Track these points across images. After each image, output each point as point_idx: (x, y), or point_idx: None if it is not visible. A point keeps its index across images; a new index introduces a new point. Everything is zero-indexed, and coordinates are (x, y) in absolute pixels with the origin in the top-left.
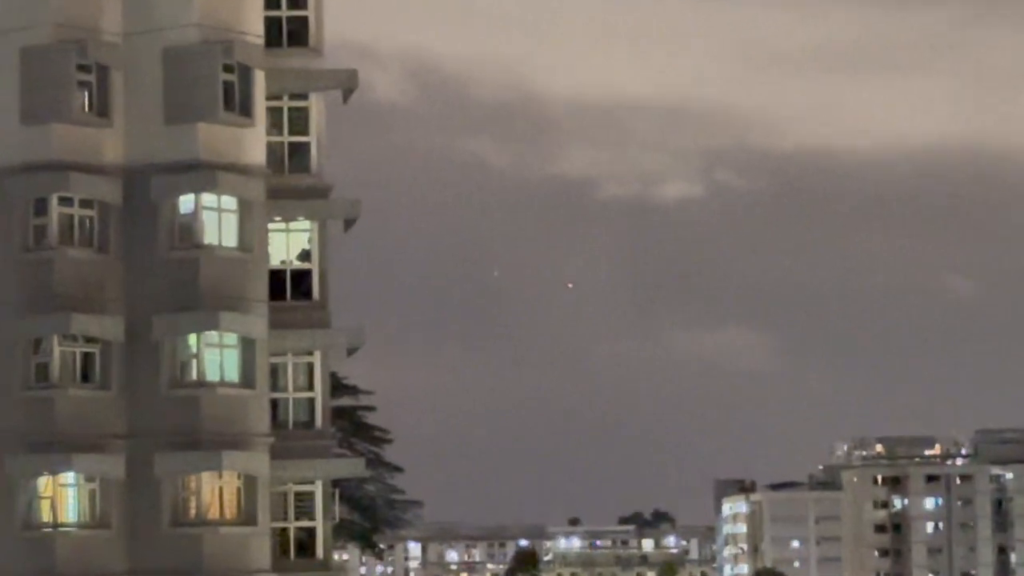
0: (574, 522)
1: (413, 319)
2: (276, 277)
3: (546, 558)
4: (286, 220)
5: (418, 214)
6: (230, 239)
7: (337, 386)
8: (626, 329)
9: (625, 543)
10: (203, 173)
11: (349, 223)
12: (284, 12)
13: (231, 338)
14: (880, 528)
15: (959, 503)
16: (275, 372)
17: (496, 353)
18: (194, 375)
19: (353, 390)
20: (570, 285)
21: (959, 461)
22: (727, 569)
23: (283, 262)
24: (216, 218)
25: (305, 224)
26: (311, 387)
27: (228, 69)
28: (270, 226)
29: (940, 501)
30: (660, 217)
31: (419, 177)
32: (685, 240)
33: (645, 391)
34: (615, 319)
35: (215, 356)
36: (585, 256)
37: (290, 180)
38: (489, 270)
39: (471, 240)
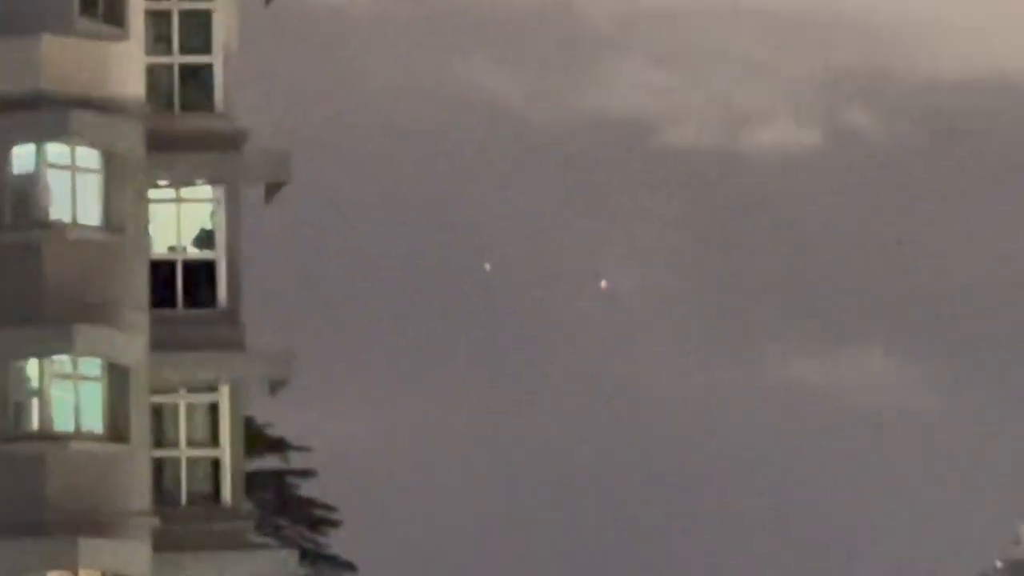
0: None
1: (370, 338)
2: (162, 273)
3: None
4: (177, 184)
5: (380, 175)
6: (90, 213)
7: (257, 440)
8: (697, 351)
9: None
10: (48, 112)
11: (274, 189)
12: None
13: (92, 365)
14: None
15: None
16: (160, 418)
17: (495, 389)
18: (35, 422)
19: (280, 446)
20: (604, 284)
21: None
22: None
23: (173, 249)
24: (69, 181)
25: (206, 191)
26: (215, 441)
27: None
28: (152, 193)
29: None
30: (753, 177)
31: (382, 119)
32: (791, 213)
33: (728, 446)
34: (679, 335)
35: (67, 393)
36: (633, 238)
37: (184, 123)
38: (491, 261)
39: (459, 216)
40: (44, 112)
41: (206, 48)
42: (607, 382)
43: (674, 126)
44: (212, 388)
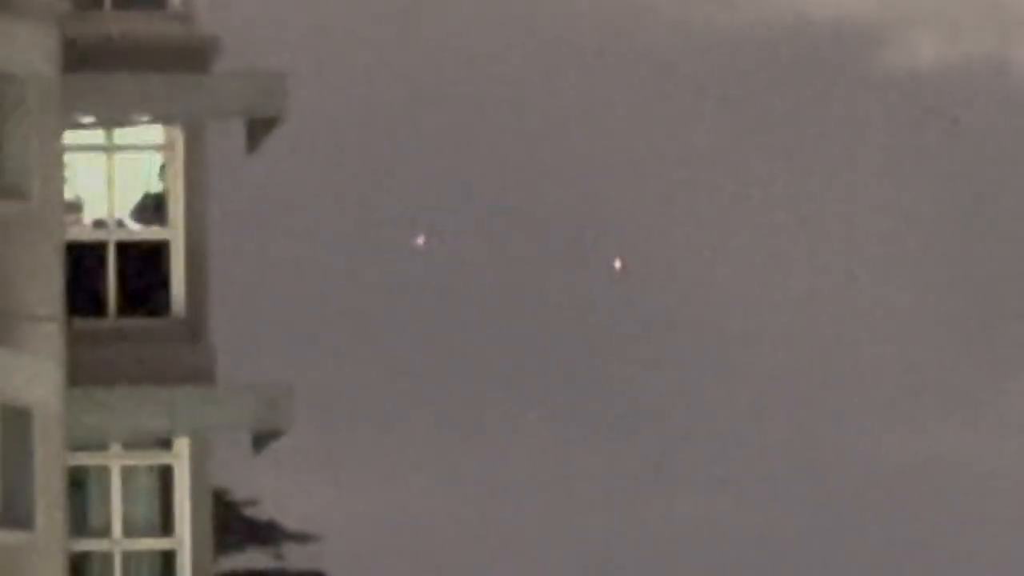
0: None
1: (402, 364)
2: (85, 261)
3: None
4: (108, 124)
5: (425, 109)
6: None
7: (234, 525)
8: (937, 393)
9: None
10: None
11: (260, 131)
12: None
13: None
14: None
15: None
16: (82, 490)
17: (600, 449)
18: None
19: (271, 534)
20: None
21: None
22: None
23: (101, 225)
24: None
25: (156, 133)
26: (167, 527)
27: None
28: (69, 138)
29: None
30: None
31: (432, 31)
32: None
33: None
34: (905, 373)
35: None
36: (836, 212)
37: (120, 28)
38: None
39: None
40: None
41: None
42: (792, 447)
43: (902, 34)
44: (164, 444)
